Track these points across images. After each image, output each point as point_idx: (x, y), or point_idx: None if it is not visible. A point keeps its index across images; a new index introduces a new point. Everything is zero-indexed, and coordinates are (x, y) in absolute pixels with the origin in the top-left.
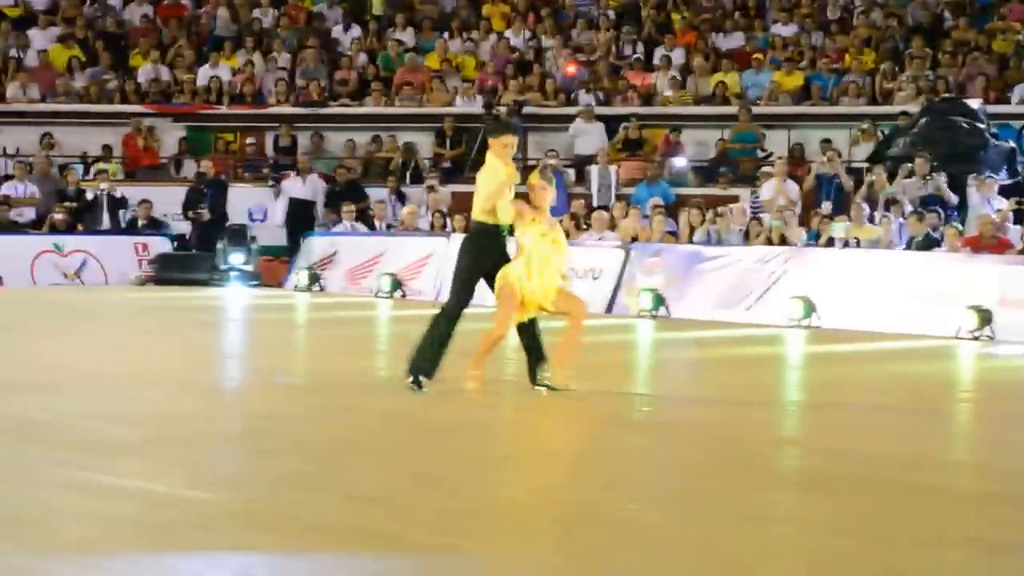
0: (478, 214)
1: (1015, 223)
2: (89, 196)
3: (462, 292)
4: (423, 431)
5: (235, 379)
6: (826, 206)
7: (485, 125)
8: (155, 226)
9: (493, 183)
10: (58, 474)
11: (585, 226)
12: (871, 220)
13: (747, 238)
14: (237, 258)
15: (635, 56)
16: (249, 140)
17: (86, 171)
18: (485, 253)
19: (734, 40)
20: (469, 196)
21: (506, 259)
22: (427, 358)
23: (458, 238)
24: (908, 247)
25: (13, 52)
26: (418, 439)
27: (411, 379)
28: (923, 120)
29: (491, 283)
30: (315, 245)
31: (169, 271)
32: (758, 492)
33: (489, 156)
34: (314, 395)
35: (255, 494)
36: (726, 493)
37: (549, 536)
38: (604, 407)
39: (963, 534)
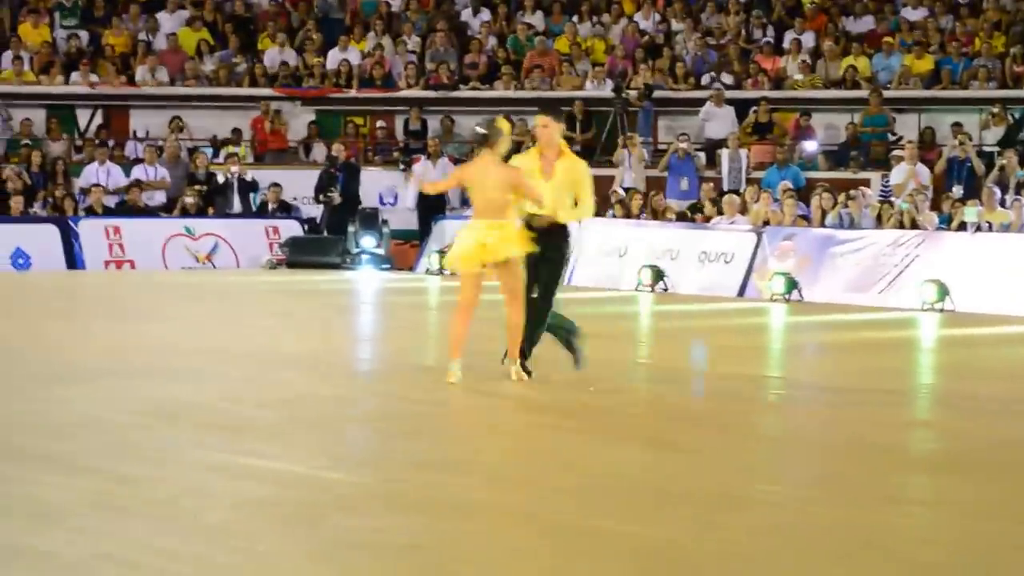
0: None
1: None
2: (220, 179)
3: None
4: (558, 414)
5: (369, 362)
6: (957, 190)
7: (615, 109)
8: (285, 209)
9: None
10: (201, 457)
11: (716, 210)
12: (1002, 204)
13: (879, 222)
14: (369, 241)
15: (765, 40)
16: (380, 124)
17: (215, 154)
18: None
19: (864, 23)
20: (600, 180)
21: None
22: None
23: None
24: None
25: (142, 36)
26: (554, 421)
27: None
28: None
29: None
30: (446, 229)
31: (300, 254)
32: (895, 475)
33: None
34: (442, 377)
35: (395, 475)
36: (863, 476)
37: (687, 518)
38: (737, 390)
39: None
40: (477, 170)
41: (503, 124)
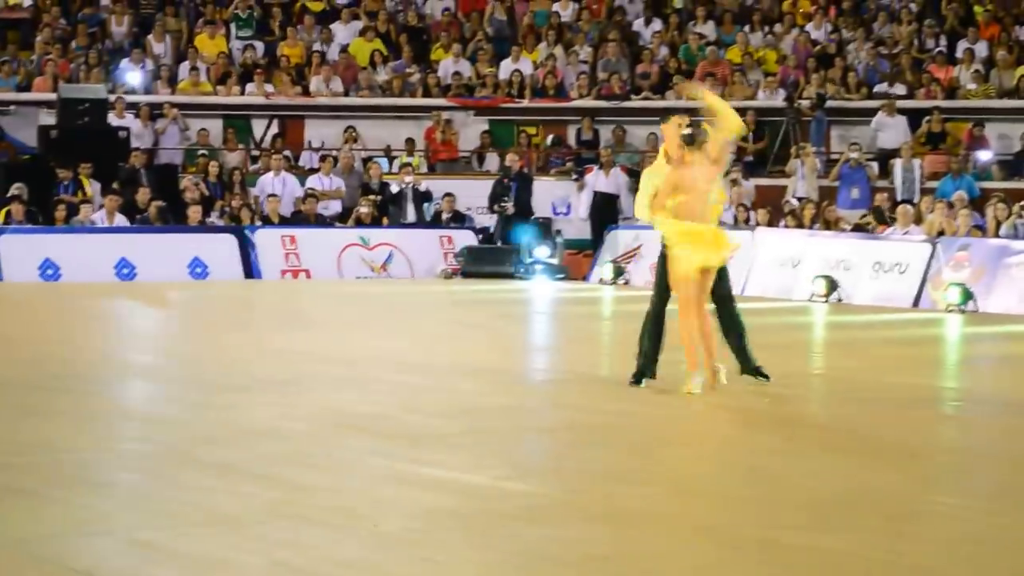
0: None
1: None
2: (394, 189)
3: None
4: (736, 424)
5: (546, 372)
6: None
7: (787, 118)
8: (459, 219)
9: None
10: (380, 466)
11: (890, 220)
12: None
13: None
14: (542, 251)
15: (937, 49)
16: (551, 138)
17: (389, 164)
18: None
19: None
20: (773, 190)
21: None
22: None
23: (763, 232)
24: None
25: (317, 46)
26: (733, 432)
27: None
28: None
29: None
30: (619, 238)
31: (475, 264)
32: None
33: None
34: (626, 389)
35: (577, 486)
36: None
37: (872, 530)
38: (915, 402)
39: None
40: (688, 173)
41: (707, 126)
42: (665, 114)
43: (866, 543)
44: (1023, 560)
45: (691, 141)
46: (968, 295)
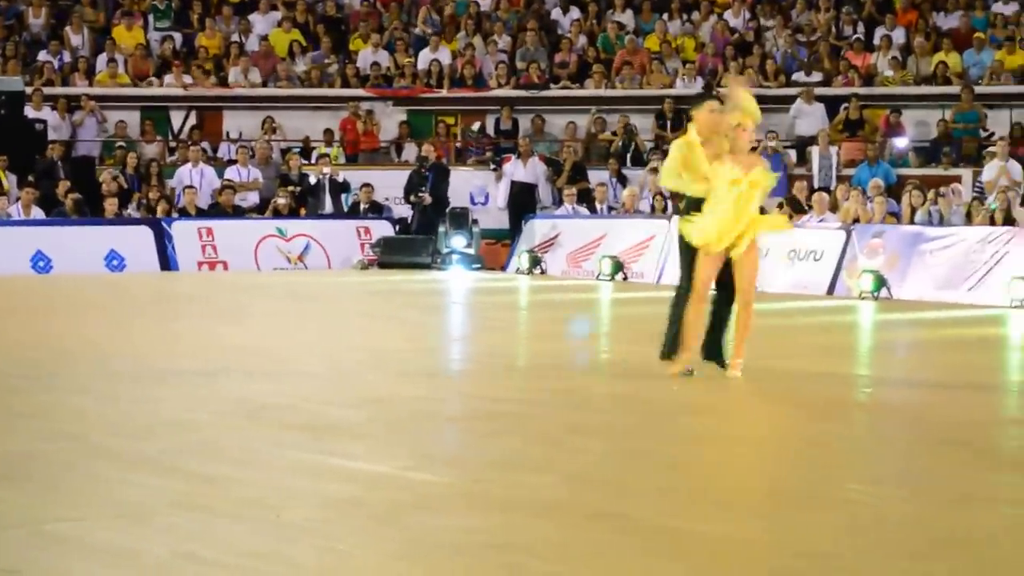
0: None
1: None
2: (312, 180)
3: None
4: (646, 413)
5: (458, 362)
6: None
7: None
8: (377, 210)
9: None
10: (287, 457)
11: (807, 208)
12: None
13: (969, 219)
14: (459, 241)
15: (855, 36)
16: (475, 126)
17: (307, 155)
18: None
19: (955, 19)
20: None
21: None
22: (667, 340)
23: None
24: None
25: (235, 37)
26: (641, 421)
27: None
28: None
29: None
30: (537, 228)
31: (391, 255)
32: (985, 473)
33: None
34: (536, 378)
35: (480, 475)
36: (952, 474)
37: (774, 518)
38: (826, 389)
39: None
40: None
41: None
42: (697, 99)
43: (766, 530)
44: (926, 545)
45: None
46: (882, 282)
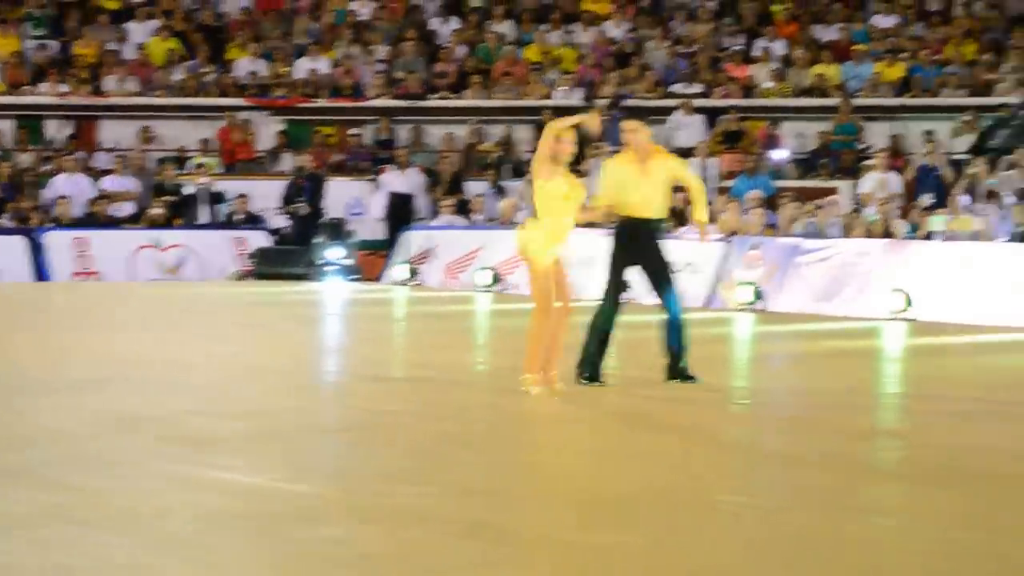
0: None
1: None
2: (187, 191)
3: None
4: (522, 423)
5: (335, 373)
6: (926, 198)
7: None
8: (253, 220)
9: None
10: (161, 468)
11: (685, 220)
12: (971, 212)
13: (847, 231)
14: (336, 252)
15: (735, 48)
16: (353, 131)
17: (183, 165)
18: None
19: (834, 31)
20: None
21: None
22: (588, 355)
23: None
24: (1009, 239)
25: (111, 45)
26: (518, 431)
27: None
28: None
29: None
30: (414, 239)
31: (267, 266)
32: (861, 484)
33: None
34: (413, 389)
35: (358, 487)
36: (829, 485)
37: (650, 527)
38: (703, 401)
39: None
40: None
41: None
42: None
43: (647, 540)
44: (802, 557)
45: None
46: (759, 294)
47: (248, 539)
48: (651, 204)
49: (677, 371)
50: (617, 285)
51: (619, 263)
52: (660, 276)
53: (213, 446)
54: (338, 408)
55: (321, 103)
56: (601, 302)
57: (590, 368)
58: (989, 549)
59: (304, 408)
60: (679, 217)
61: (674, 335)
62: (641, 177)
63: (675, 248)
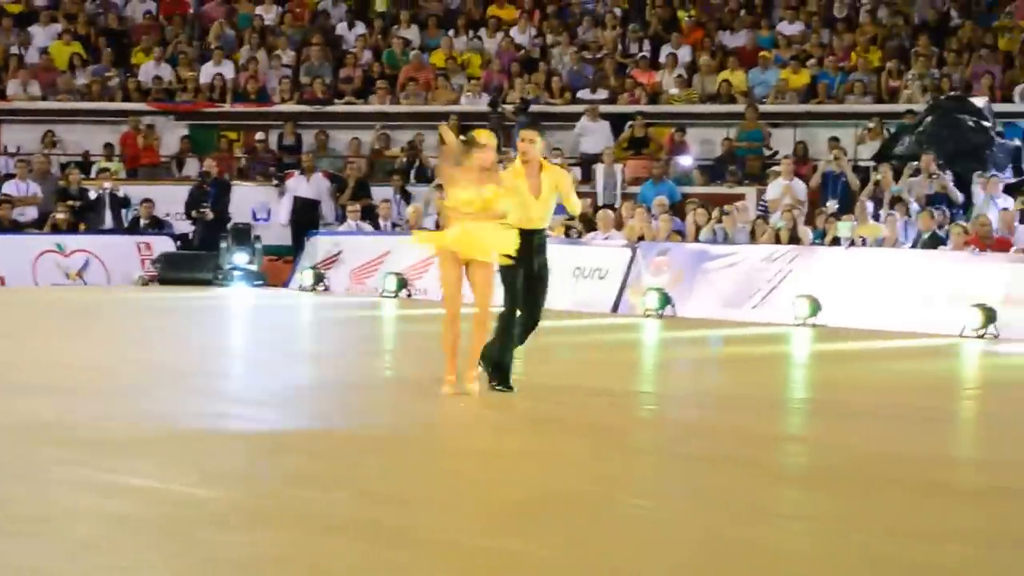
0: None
1: (1021, 222)
2: (92, 195)
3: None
4: (430, 428)
5: (240, 379)
6: (832, 204)
7: (490, 123)
8: (158, 225)
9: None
10: (68, 473)
11: (591, 226)
12: (876, 218)
13: (753, 237)
14: (241, 258)
15: (641, 54)
16: (259, 136)
17: (86, 170)
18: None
19: (740, 38)
20: None
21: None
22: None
23: None
24: (914, 245)
25: (14, 49)
26: (426, 436)
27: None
28: (929, 118)
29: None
30: (319, 244)
31: (172, 271)
32: (766, 488)
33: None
34: (321, 395)
35: (266, 492)
36: (734, 489)
37: (558, 533)
38: (610, 406)
39: (969, 528)
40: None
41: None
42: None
43: (552, 545)
44: (705, 560)
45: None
46: (666, 300)
47: (157, 544)
48: (537, 216)
49: (507, 378)
50: (514, 293)
51: (512, 270)
52: (537, 285)
53: (119, 451)
54: (246, 414)
55: (226, 108)
56: (503, 309)
57: (499, 373)
58: (892, 553)
59: (212, 413)
60: (588, 223)
61: (521, 339)
62: (531, 188)
63: (583, 253)
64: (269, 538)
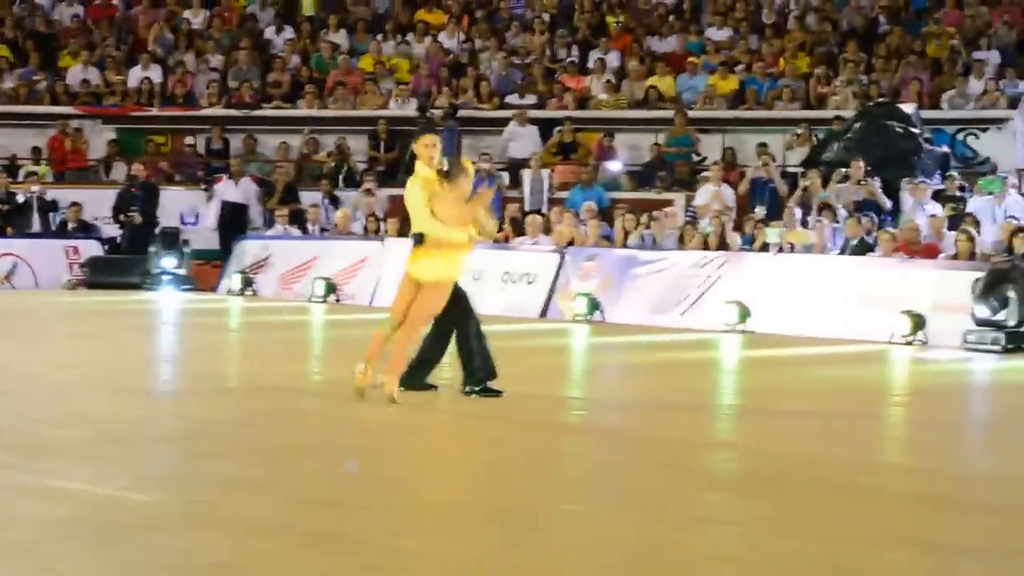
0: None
1: (950, 229)
2: (19, 199)
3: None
4: (363, 433)
5: (170, 383)
6: (760, 211)
7: (418, 128)
8: (86, 229)
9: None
10: (1, 477)
11: (520, 231)
12: (804, 225)
13: (682, 242)
14: (169, 262)
15: (569, 59)
16: (188, 141)
17: (14, 173)
18: None
19: (669, 44)
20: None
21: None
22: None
23: (393, 242)
24: (843, 252)
25: None
26: (358, 441)
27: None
28: (858, 124)
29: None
30: (248, 249)
31: (100, 275)
32: (697, 494)
33: (417, 163)
34: (251, 399)
35: (198, 496)
36: (665, 496)
37: (491, 537)
38: (540, 411)
39: (901, 535)
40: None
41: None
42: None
43: (487, 550)
44: (636, 565)
45: (447, 175)
46: (595, 305)
47: (90, 548)
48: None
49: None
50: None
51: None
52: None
53: (50, 454)
54: (175, 417)
55: (153, 112)
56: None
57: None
58: (823, 558)
59: (141, 417)
60: (516, 226)
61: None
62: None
63: (511, 258)
64: (204, 542)
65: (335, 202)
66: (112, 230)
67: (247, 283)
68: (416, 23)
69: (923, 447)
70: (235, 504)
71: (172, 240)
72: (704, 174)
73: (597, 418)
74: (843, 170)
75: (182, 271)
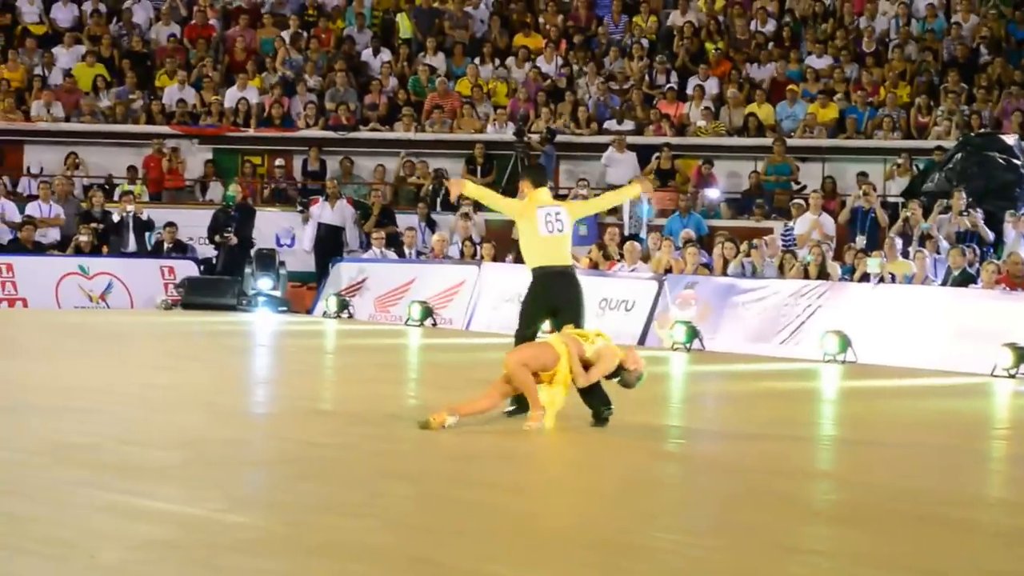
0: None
1: None
2: (115, 218)
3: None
4: (459, 459)
5: (266, 404)
6: (860, 240)
7: (516, 152)
8: (181, 249)
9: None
10: (97, 497)
11: (618, 257)
12: (905, 255)
13: (781, 271)
14: (265, 283)
15: (668, 86)
16: (278, 163)
17: (110, 192)
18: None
19: (768, 71)
20: (501, 224)
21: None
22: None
23: (489, 267)
24: (944, 283)
25: (38, 70)
26: (454, 466)
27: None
28: (958, 155)
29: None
30: (344, 271)
31: (196, 295)
32: (796, 525)
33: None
34: (346, 422)
35: (295, 518)
36: (763, 526)
37: (588, 565)
38: (639, 439)
39: (992, 569)
40: None
41: None
42: None
43: None
44: None
45: None
46: (694, 333)
47: (186, 569)
48: None
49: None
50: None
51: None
52: None
53: (146, 475)
54: (272, 440)
55: (250, 132)
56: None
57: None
58: None
59: (238, 439)
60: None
61: None
62: None
63: (609, 284)
64: (299, 565)
65: (432, 226)
66: (208, 250)
67: (343, 306)
68: (515, 47)
69: (1022, 481)
70: (332, 527)
71: (268, 261)
72: (796, 201)
73: (695, 447)
74: (945, 201)
75: (278, 293)
